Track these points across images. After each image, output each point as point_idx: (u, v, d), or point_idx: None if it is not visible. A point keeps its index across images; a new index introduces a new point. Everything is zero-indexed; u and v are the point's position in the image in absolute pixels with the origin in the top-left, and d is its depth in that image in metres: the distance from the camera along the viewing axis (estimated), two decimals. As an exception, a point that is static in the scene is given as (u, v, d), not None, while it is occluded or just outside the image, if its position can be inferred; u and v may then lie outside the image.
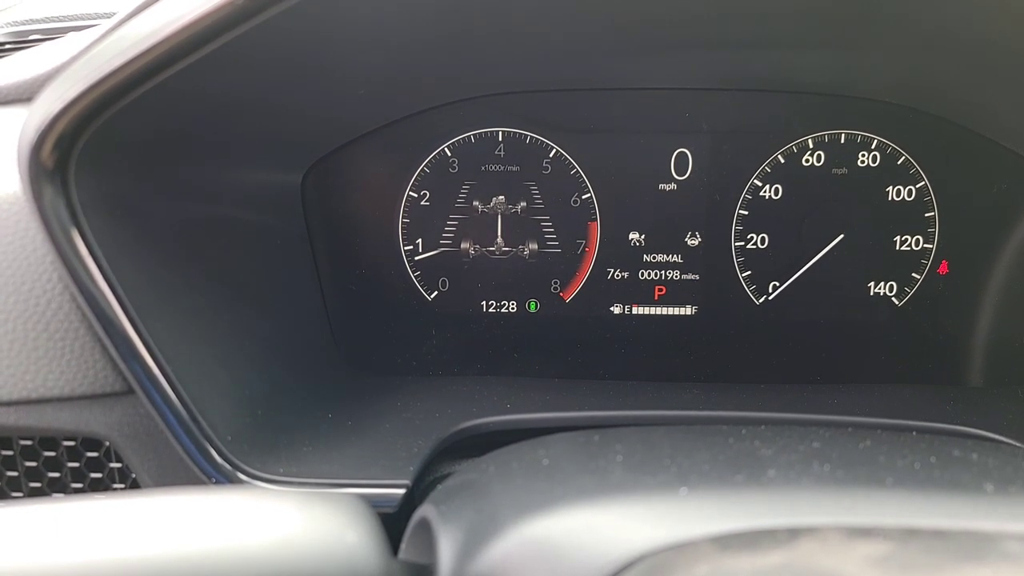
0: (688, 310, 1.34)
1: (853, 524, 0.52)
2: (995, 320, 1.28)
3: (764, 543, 0.50)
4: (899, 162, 1.26)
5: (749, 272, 1.32)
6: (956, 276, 1.29)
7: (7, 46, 1.36)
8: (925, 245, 1.29)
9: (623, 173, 1.29)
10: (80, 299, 0.84)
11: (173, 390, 0.87)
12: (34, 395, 0.92)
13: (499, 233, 1.31)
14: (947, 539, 0.51)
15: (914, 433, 0.75)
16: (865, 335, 1.33)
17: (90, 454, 0.98)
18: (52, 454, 0.98)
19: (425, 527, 0.65)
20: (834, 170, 1.27)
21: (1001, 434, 1.03)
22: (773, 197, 1.29)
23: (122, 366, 0.86)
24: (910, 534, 0.51)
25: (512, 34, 1.06)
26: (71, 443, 0.98)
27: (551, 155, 1.29)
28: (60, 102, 0.77)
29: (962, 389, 1.29)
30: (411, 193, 1.30)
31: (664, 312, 1.34)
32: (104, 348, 0.90)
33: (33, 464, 0.99)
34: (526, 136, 1.28)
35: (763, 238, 1.30)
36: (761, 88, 1.25)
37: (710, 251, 1.31)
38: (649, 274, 1.33)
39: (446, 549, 0.58)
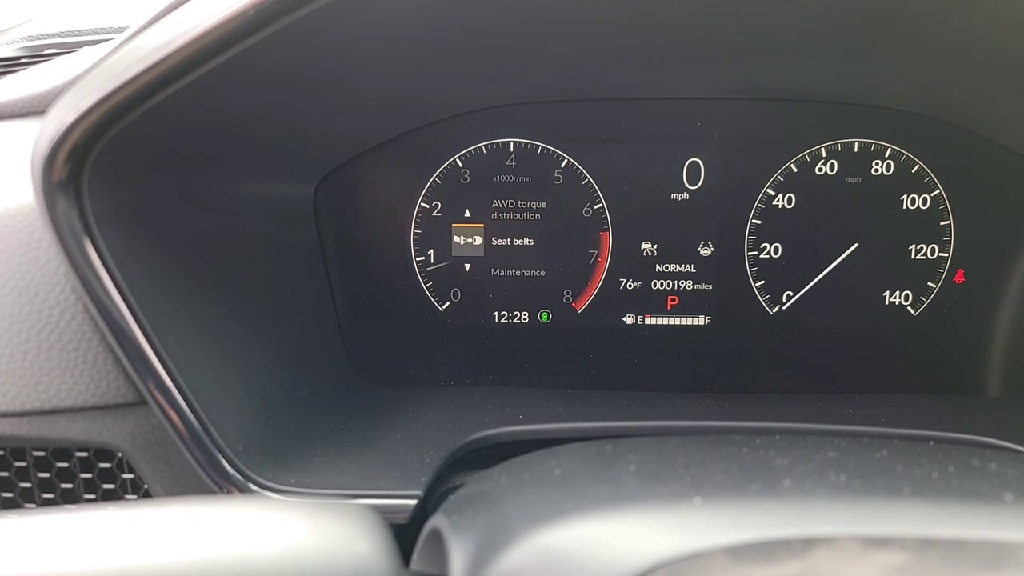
0: (701, 320, 1.33)
1: (869, 534, 0.51)
2: (1012, 329, 1.26)
3: (779, 553, 0.49)
4: (913, 170, 1.25)
5: (763, 282, 1.31)
6: (972, 285, 1.28)
7: (23, 60, 1.37)
8: (941, 254, 1.28)
9: (635, 183, 1.29)
10: (93, 310, 0.84)
11: (185, 401, 0.87)
12: (47, 406, 0.92)
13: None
14: (965, 549, 0.50)
15: (931, 443, 0.74)
16: (881, 345, 1.32)
17: (103, 465, 0.99)
18: (65, 465, 0.99)
19: (437, 538, 0.65)
20: (848, 179, 1.27)
21: (1020, 444, 1.02)
22: (786, 206, 1.28)
23: (134, 377, 0.87)
24: (927, 544, 0.50)
25: (523, 45, 1.06)
26: (84, 454, 0.98)
27: (562, 165, 1.29)
28: (73, 113, 0.77)
29: (980, 399, 1.27)
30: (423, 204, 1.30)
31: (677, 322, 1.33)
32: (116, 359, 0.91)
33: (46, 475, 0.99)
34: (537, 147, 1.28)
35: (776, 247, 1.30)
36: (773, 97, 1.24)
37: (723, 261, 1.31)
38: (662, 284, 1.32)
39: (458, 560, 0.58)
